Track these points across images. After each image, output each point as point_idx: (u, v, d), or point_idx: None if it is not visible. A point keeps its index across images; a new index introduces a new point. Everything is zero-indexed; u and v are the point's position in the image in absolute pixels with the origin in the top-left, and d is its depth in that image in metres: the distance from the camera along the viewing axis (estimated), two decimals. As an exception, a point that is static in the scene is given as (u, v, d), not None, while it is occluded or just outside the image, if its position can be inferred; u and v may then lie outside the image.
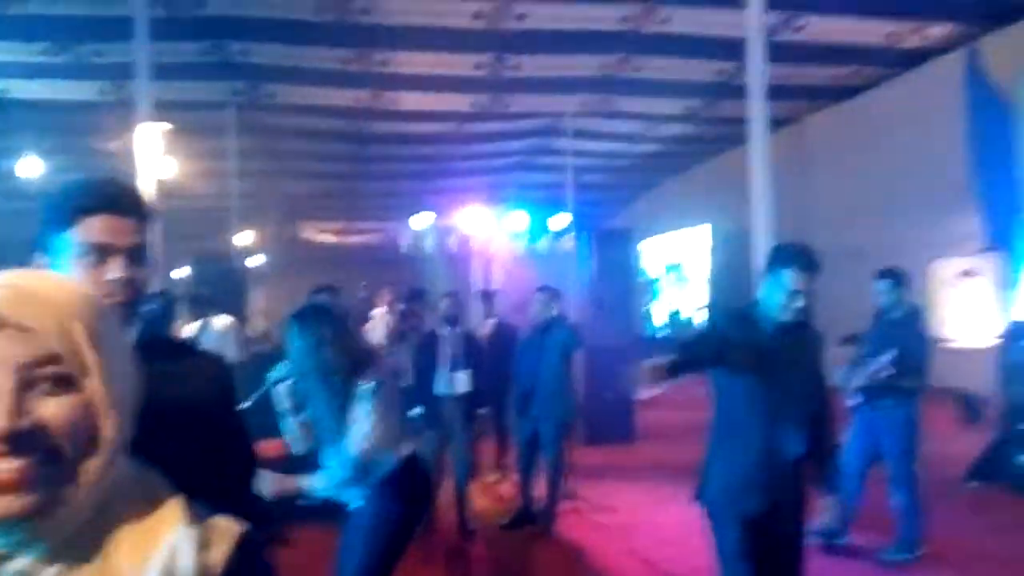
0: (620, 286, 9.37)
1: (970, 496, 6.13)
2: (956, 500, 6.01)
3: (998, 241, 9.09)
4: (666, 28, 9.62)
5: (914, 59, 10.52)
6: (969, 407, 8.41)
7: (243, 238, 15.30)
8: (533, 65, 10.71)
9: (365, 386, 3.06)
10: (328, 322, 3.16)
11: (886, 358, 4.62)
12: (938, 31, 9.64)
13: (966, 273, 9.37)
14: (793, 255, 3.05)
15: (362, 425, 3.01)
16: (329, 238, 18.64)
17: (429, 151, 14.88)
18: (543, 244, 14.83)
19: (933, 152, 10.10)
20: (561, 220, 14.22)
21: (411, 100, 11.74)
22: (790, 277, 2.98)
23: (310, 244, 18.62)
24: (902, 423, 4.89)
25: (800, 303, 2.99)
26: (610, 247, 9.51)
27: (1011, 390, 6.18)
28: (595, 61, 10.78)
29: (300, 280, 10.58)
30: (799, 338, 3.12)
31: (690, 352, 3.24)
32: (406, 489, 3.14)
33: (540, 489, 6.02)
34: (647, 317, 18.56)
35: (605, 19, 9.36)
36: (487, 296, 9.02)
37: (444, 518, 5.49)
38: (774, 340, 3.03)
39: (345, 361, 3.07)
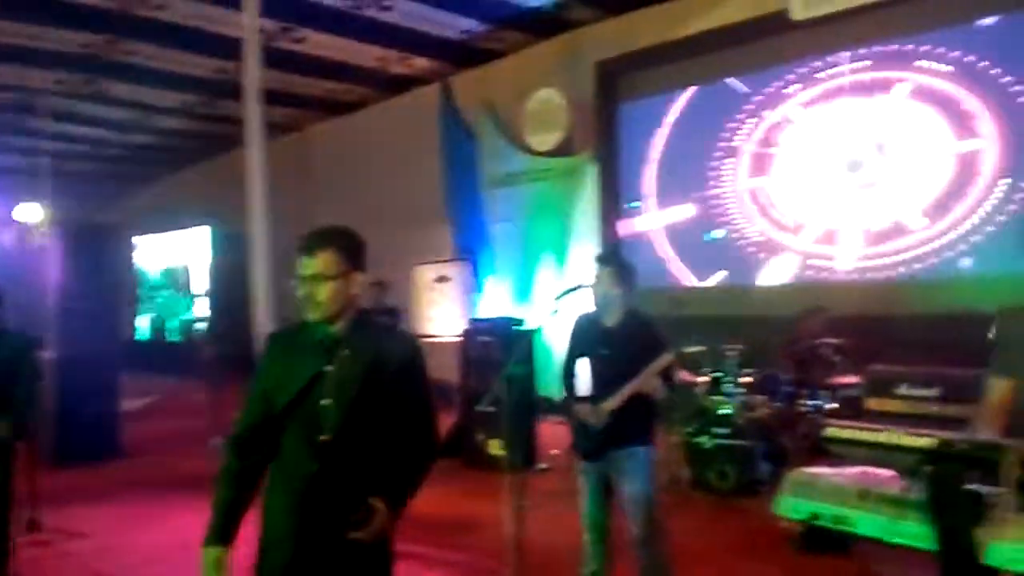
0: (103, 288, 8.44)
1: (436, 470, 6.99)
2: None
3: (465, 250, 10.57)
4: (161, 15, 9.08)
5: (402, 85, 11.66)
6: (441, 394, 9.58)
7: None
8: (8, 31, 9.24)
9: None
10: None
11: None
12: (421, 63, 10.85)
13: (441, 278, 10.70)
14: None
15: None
16: None
17: None
18: (7, 237, 12.74)
19: (416, 169, 11.33)
20: (31, 211, 12.38)
21: None
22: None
23: None
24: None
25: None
26: (91, 245, 8.50)
27: (470, 379, 7.23)
28: (79, 37, 9.69)
29: None
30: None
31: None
32: None
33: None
34: (137, 322, 17.25)
35: (91, -7, 8.47)
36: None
37: None
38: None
39: None
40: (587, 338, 3.82)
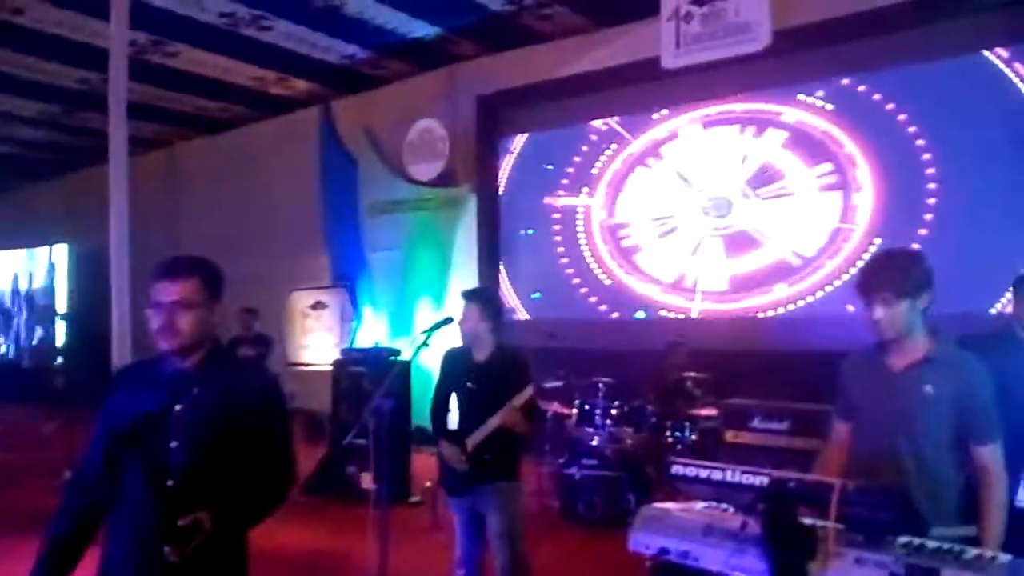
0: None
1: (305, 505, 6.77)
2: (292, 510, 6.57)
3: (343, 277, 10.40)
4: (20, 20, 8.55)
5: (280, 106, 11.42)
6: (313, 425, 9.33)
7: None
8: None
9: None
10: None
11: None
12: (300, 85, 10.67)
13: (317, 304, 10.47)
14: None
15: None
16: None
17: None
18: None
19: (293, 193, 11.09)
20: None
21: None
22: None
23: None
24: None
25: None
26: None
27: (341, 409, 7.08)
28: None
29: None
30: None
31: None
32: None
33: None
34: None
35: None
36: None
37: None
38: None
39: None
40: (456, 372, 3.85)
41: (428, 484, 6.83)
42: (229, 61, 9.81)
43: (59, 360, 13.94)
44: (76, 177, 14.86)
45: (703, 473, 2.14)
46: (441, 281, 9.57)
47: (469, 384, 3.76)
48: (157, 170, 12.77)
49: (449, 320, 3.82)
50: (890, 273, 2.57)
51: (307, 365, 10.33)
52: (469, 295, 3.89)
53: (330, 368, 7.82)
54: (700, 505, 2.34)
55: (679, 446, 5.92)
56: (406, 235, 9.91)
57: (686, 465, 2.19)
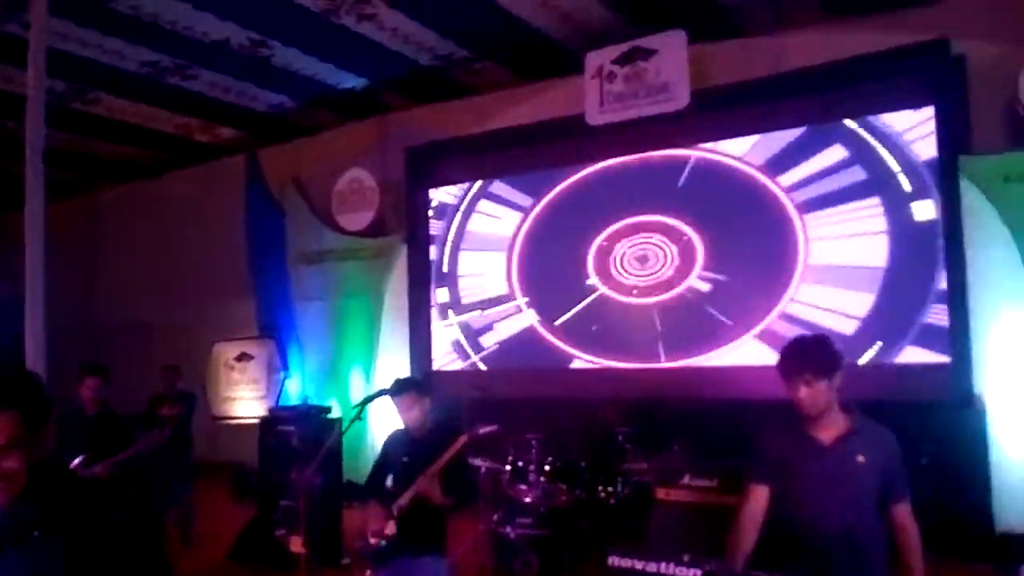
0: None
1: (231, 572, 6.57)
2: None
3: (269, 328, 10.21)
4: (-72, 65, 8.23)
5: (205, 153, 11.24)
6: (240, 480, 9.08)
7: None
8: None
9: None
10: None
11: None
12: (226, 133, 10.54)
13: (242, 356, 10.23)
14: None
15: None
16: None
17: None
18: None
19: (218, 241, 10.88)
20: None
21: None
22: None
23: None
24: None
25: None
26: None
27: (270, 470, 6.90)
28: None
29: None
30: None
31: None
32: None
33: None
34: None
35: None
36: None
37: None
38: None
39: None
40: (395, 451, 3.85)
41: (353, 545, 6.73)
42: (152, 109, 9.64)
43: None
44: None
45: (639, 565, 2.19)
46: (371, 332, 9.50)
47: (404, 459, 3.77)
48: (77, 217, 12.36)
49: (382, 392, 3.83)
50: (809, 357, 2.83)
51: (234, 418, 10.07)
52: (397, 389, 3.89)
53: (256, 421, 7.65)
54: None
55: (612, 501, 5.98)
56: (335, 285, 9.83)
57: (623, 556, 2.24)
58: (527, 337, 8.68)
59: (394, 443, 3.89)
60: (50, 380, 6.78)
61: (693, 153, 7.89)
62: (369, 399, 3.79)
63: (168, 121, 10.10)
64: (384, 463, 3.88)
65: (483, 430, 3.83)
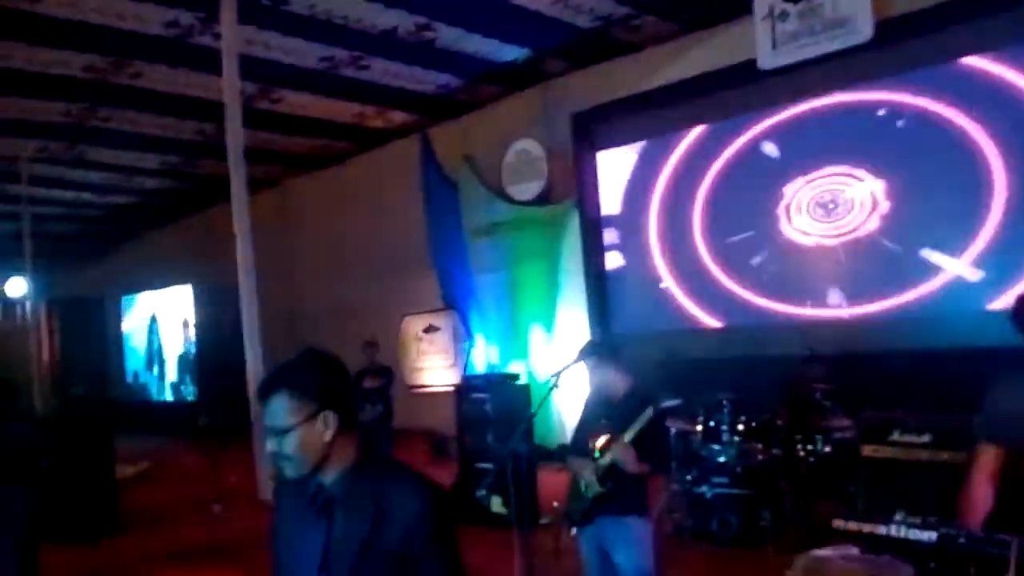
0: (90, 357, 8.44)
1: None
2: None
3: (452, 300, 10.65)
4: (138, 83, 9.19)
5: (380, 138, 11.80)
6: (437, 445, 9.62)
7: None
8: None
9: None
10: None
11: None
12: (398, 117, 11.00)
13: (429, 328, 10.76)
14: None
15: None
16: None
17: None
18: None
19: (400, 221, 11.43)
20: (16, 286, 12.30)
21: None
22: None
23: None
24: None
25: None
26: (77, 316, 8.53)
27: (467, 436, 7.28)
28: (57, 107, 9.79)
29: None
30: None
31: None
32: None
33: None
34: (122, 385, 17.08)
35: (67, 65, 8.57)
36: None
37: None
38: None
39: None
40: (593, 413, 3.92)
41: (556, 504, 6.93)
42: (330, 101, 10.22)
43: (194, 396, 14.70)
44: (194, 220, 15.76)
45: (866, 528, 2.13)
46: (550, 298, 9.67)
47: (603, 421, 3.83)
48: (270, 208, 13.40)
49: (577, 359, 3.90)
50: None
51: (425, 387, 10.64)
52: (586, 353, 3.93)
53: (447, 389, 8.06)
54: (855, 551, 2.33)
55: (812, 459, 5.79)
56: (511, 254, 10.07)
57: (847, 519, 2.19)
58: (712, 293, 8.45)
59: (593, 405, 3.95)
60: (266, 361, 7.52)
61: (878, 94, 7.31)
62: (563, 369, 3.88)
63: (345, 111, 10.67)
64: (584, 425, 3.96)
65: (667, 403, 3.76)
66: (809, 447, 5.80)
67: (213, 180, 11.78)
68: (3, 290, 12.93)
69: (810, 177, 7.71)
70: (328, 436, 1.84)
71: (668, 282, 8.84)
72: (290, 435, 1.82)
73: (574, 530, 3.90)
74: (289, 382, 1.87)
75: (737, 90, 8.09)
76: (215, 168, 10.62)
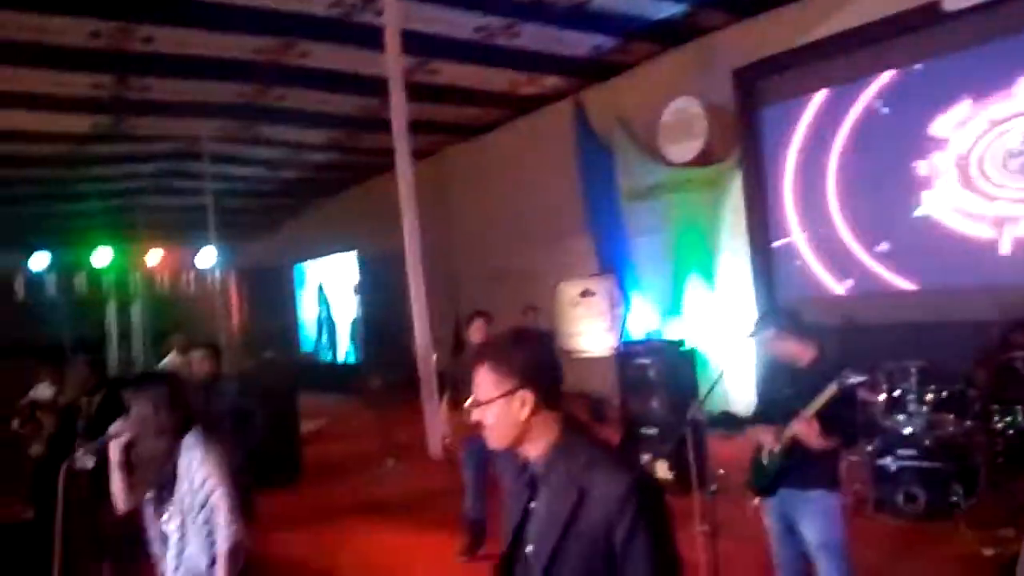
0: (274, 319, 9.08)
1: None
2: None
3: (608, 265, 10.61)
4: (306, 62, 9.64)
5: (532, 104, 11.83)
6: (596, 409, 9.68)
7: None
8: (163, 88, 10.06)
9: None
10: None
11: None
12: (550, 82, 10.98)
13: (585, 293, 10.79)
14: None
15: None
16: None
17: (45, 173, 13.22)
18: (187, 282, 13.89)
19: (553, 186, 11.46)
20: (207, 255, 13.45)
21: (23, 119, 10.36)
22: None
23: None
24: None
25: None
26: (261, 282, 9.20)
27: (629, 400, 7.29)
28: (232, 88, 10.46)
29: None
30: None
31: None
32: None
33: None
34: (301, 346, 18.28)
35: (240, 48, 9.12)
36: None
37: None
38: None
39: None
40: (776, 381, 3.81)
41: (721, 472, 6.83)
42: (484, 69, 10.32)
43: (361, 358, 15.46)
44: (357, 191, 16.49)
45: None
46: (708, 262, 9.43)
47: (786, 390, 3.71)
48: (426, 177, 13.77)
49: (758, 331, 3.78)
50: None
51: (582, 352, 10.69)
52: (763, 322, 3.81)
53: (603, 355, 8.07)
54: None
55: (1011, 432, 5.37)
56: (668, 218, 9.88)
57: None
58: (890, 252, 7.89)
59: (775, 373, 3.84)
60: (433, 326, 7.80)
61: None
62: (750, 335, 3.79)
63: (499, 79, 10.74)
64: (766, 395, 3.86)
65: (853, 380, 3.55)
66: (1008, 419, 5.38)
67: (375, 152, 12.24)
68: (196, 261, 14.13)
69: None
70: (524, 414, 1.87)
71: (848, 241, 8.31)
72: (489, 408, 1.90)
73: (756, 500, 3.84)
74: (493, 357, 1.93)
75: (919, 35, 7.45)
76: (376, 141, 11.02)
